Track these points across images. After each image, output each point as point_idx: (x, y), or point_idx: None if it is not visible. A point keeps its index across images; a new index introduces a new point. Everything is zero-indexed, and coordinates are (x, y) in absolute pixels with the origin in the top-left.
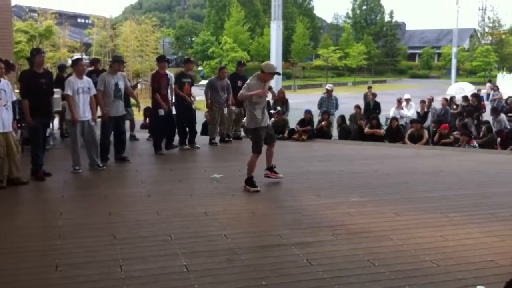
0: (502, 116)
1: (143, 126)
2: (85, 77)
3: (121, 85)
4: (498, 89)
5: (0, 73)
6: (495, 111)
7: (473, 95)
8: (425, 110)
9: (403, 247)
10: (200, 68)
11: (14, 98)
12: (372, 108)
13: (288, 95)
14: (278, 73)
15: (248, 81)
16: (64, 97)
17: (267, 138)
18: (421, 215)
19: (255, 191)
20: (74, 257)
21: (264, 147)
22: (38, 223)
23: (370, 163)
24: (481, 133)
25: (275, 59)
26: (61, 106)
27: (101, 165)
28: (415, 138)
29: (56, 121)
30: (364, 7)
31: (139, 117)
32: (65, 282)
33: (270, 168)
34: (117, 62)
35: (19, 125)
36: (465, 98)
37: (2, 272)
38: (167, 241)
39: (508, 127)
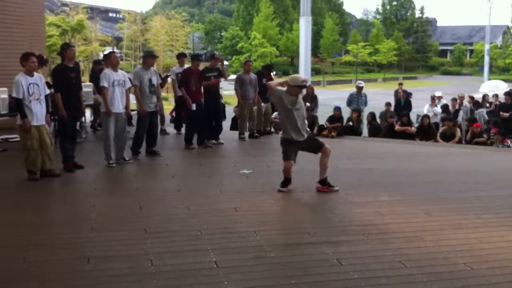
0: (481, 110)
1: (172, 120)
2: (120, 71)
3: (154, 81)
4: None
5: (34, 68)
6: (476, 104)
7: (507, 93)
8: (456, 108)
9: (435, 248)
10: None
11: (47, 92)
12: (403, 105)
13: (317, 91)
14: (304, 86)
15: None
16: (98, 90)
17: (313, 147)
18: (454, 216)
19: (279, 190)
20: (105, 250)
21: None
22: (70, 216)
23: (400, 161)
24: None
25: (304, 54)
26: (93, 100)
27: (127, 158)
28: (447, 137)
29: (88, 114)
30: (395, 3)
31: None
32: (96, 275)
33: (322, 181)
34: (150, 57)
35: (51, 118)
36: (496, 96)
37: (36, 263)
38: (197, 236)
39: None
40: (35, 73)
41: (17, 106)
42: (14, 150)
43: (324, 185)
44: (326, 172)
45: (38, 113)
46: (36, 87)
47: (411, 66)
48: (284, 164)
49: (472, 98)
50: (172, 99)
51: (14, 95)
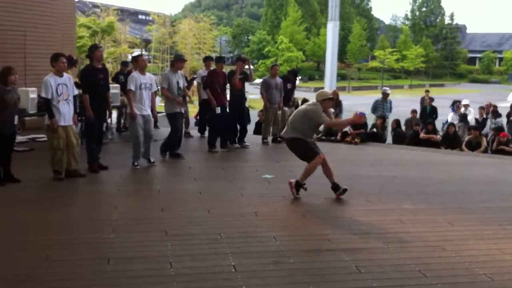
0: (499, 119)
1: (197, 123)
2: (147, 74)
3: (181, 84)
4: None
5: (63, 68)
6: (494, 113)
7: None
8: (484, 116)
9: (457, 258)
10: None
11: (76, 92)
12: (428, 112)
13: (342, 96)
14: (331, 98)
15: (318, 109)
16: (124, 92)
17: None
18: (477, 226)
19: (295, 197)
20: (126, 251)
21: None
22: (93, 216)
23: (424, 170)
24: None
25: (331, 59)
26: (119, 101)
27: (152, 160)
28: (473, 146)
29: (114, 116)
30: (424, 9)
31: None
32: (117, 276)
33: (335, 187)
34: (180, 61)
35: (79, 118)
36: None
37: (57, 262)
38: (217, 240)
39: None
40: (64, 74)
41: (45, 106)
42: (40, 150)
43: (337, 189)
44: (333, 175)
45: (66, 113)
46: (65, 87)
47: (438, 73)
48: (316, 160)
49: (495, 107)
50: (197, 102)
51: (43, 95)
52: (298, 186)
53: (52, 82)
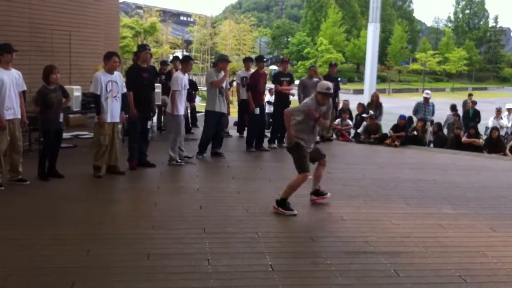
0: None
1: (236, 123)
2: (185, 74)
3: (224, 84)
4: None
5: (114, 67)
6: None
7: None
8: None
9: (498, 265)
10: (273, 67)
11: (124, 91)
12: (471, 116)
13: (382, 99)
14: (330, 94)
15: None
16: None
17: (315, 156)
18: None
19: (291, 215)
20: (165, 248)
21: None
22: (133, 212)
23: (465, 174)
24: None
25: (371, 61)
26: (161, 101)
27: (190, 156)
28: None
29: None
30: (467, 11)
31: (233, 114)
32: (155, 271)
33: (316, 192)
34: (223, 61)
35: (125, 115)
36: None
37: (97, 257)
38: (254, 238)
39: None
40: (115, 72)
41: (94, 102)
42: (83, 147)
43: (318, 195)
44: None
45: (114, 110)
46: (114, 84)
47: (481, 77)
48: (300, 176)
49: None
50: (236, 102)
51: (91, 90)
52: (282, 202)
53: (102, 79)
